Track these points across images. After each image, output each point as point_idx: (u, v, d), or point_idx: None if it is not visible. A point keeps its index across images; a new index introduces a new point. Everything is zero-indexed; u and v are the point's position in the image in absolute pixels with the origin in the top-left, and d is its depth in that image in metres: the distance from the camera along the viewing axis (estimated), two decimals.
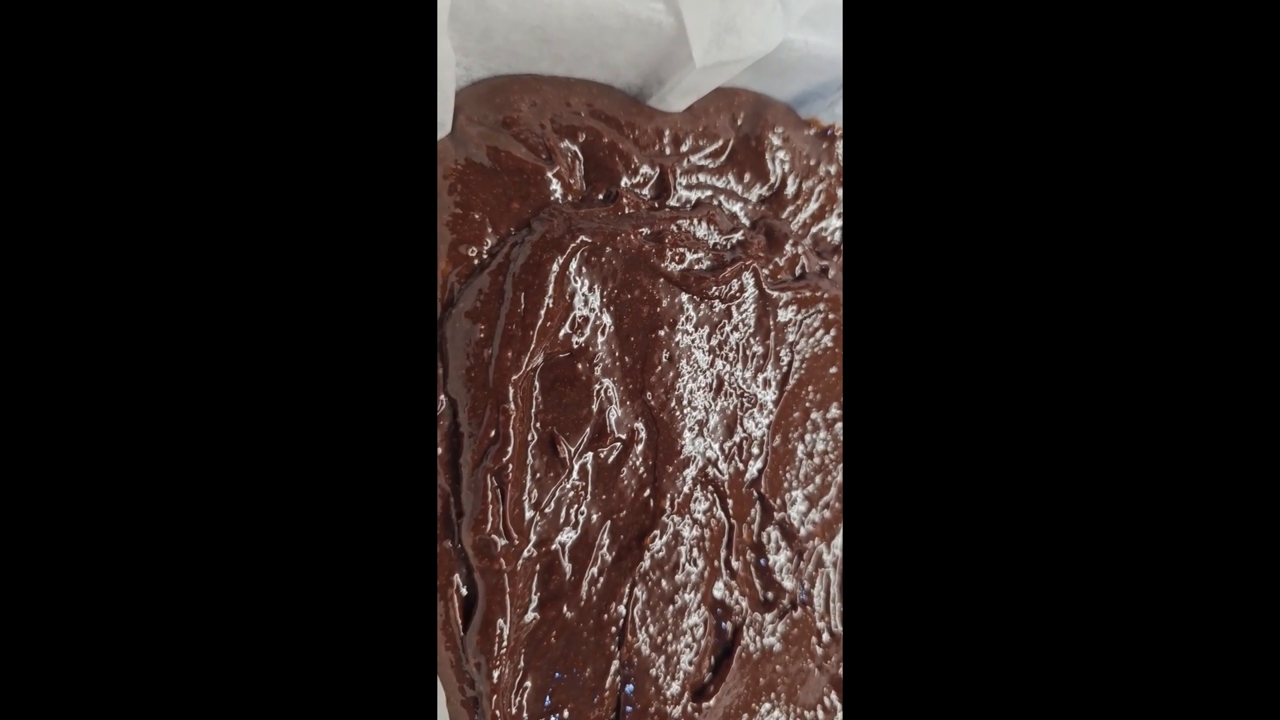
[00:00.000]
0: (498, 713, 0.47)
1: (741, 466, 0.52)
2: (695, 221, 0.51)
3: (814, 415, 0.55)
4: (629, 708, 0.50)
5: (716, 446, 0.51)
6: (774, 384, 0.53)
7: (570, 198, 0.49)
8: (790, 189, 0.55)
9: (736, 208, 0.54)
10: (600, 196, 0.50)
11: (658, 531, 0.50)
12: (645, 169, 0.51)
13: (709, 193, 0.53)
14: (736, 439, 0.52)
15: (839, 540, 0.57)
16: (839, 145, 0.57)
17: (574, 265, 0.46)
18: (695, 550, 0.51)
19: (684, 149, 0.52)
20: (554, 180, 0.48)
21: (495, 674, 0.46)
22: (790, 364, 0.53)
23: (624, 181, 0.50)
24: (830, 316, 0.55)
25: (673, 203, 0.51)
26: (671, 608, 0.51)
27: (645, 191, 0.51)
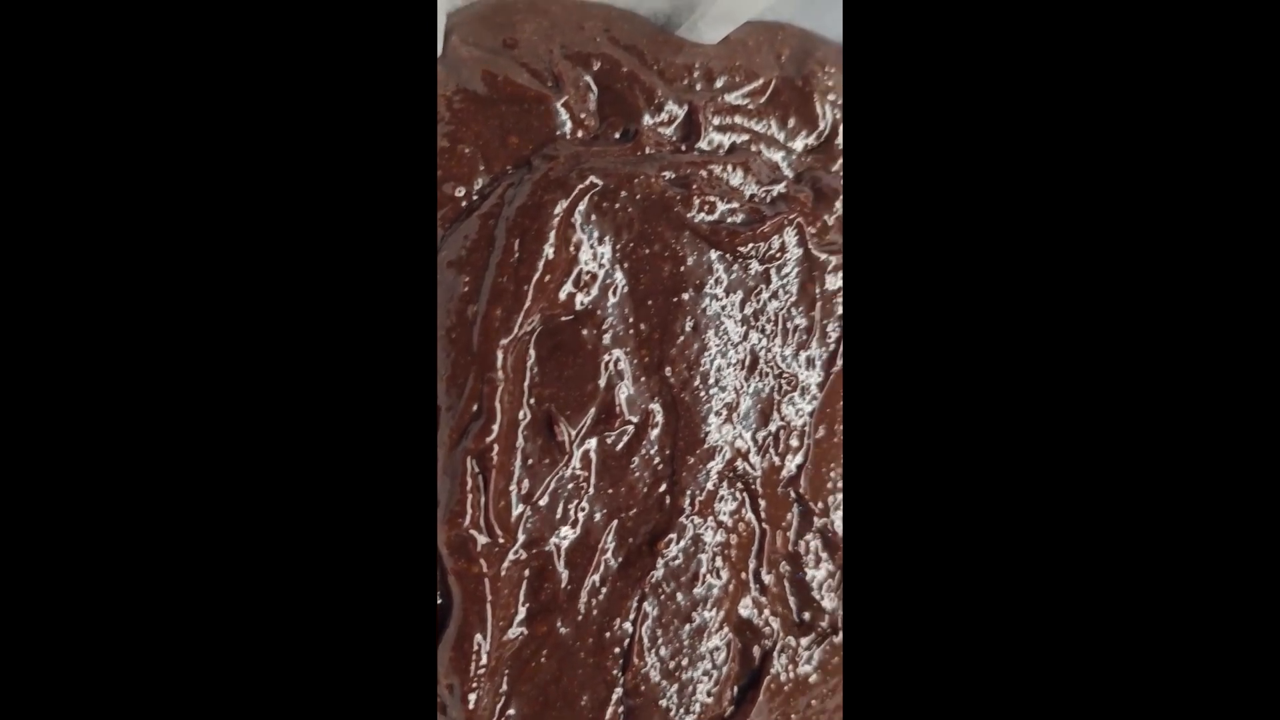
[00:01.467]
0: None
1: (778, 461, 0.44)
2: (729, 169, 0.43)
3: None
4: None
5: (748, 436, 0.43)
6: (819, 364, 0.45)
7: (581, 134, 0.41)
8: (842, 138, 0.47)
9: (778, 156, 0.46)
10: (616, 135, 0.42)
11: (674, 535, 0.41)
12: (671, 106, 0.43)
13: (746, 137, 0.45)
14: (772, 428, 0.44)
15: None
16: None
17: (581, 210, 0.39)
18: (719, 559, 0.43)
19: (718, 85, 0.44)
20: (562, 112, 0.41)
21: (471, 699, 0.38)
22: (839, 341, 0.45)
23: (645, 119, 0.42)
24: None
25: (703, 146, 0.44)
26: (688, 627, 0.42)
27: (670, 132, 0.43)
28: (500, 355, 0.37)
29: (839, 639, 0.46)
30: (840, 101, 0.47)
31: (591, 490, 0.40)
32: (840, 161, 0.47)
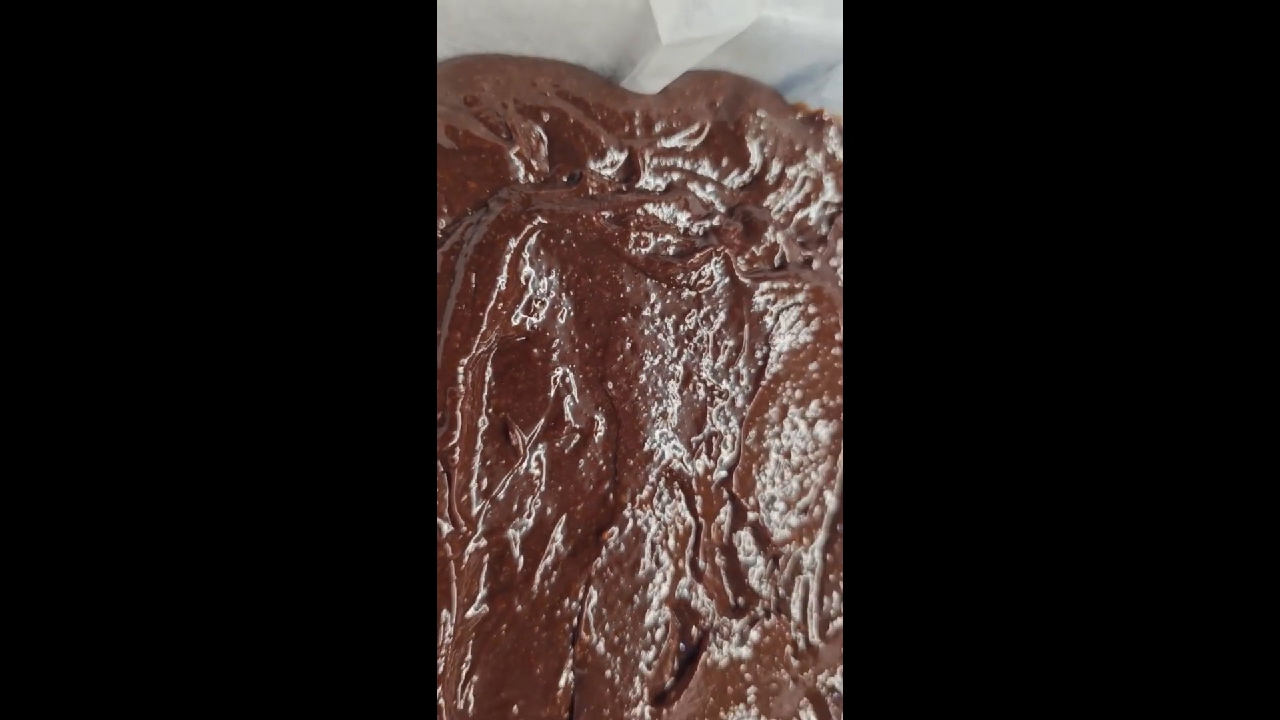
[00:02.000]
0: (441, 704, 0.45)
1: (710, 463, 0.50)
2: (664, 206, 0.49)
3: (793, 413, 0.52)
4: (582, 708, 0.48)
5: (683, 441, 0.49)
6: (748, 378, 0.51)
7: (532, 179, 0.48)
8: (772, 175, 0.53)
9: (710, 193, 0.51)
10: (564, 179, 0.48)
11: (616, 526, 0.48)
12: (613, 151, 0.49)
13: (680, 177, 0.51)
14: (705, 434, 0.50)
15: (818, 546, 0.54)
16: (829, 131, 0.55)
17: (530, 246, 0.45)
18: (658, 548, 0.49)
19: (656, 131, 0.50)
20: (515, 160, 0.47)
21: (440, 664, 0.45)
22: (766, 357, 0.51)
23: (590, 164, 0.49)
24: (811, 309, 0.52)
25: (642, 185, 0.50)
26: (630, 607, 0.48)
27: (612, 174, 0.49)
28: (461, 371, 0.44)
29: (770, 621, 0.52)
30: (770, 144, 0.53)
31: (543, 488, 0.47)
32: (770, 196, 0.53)
